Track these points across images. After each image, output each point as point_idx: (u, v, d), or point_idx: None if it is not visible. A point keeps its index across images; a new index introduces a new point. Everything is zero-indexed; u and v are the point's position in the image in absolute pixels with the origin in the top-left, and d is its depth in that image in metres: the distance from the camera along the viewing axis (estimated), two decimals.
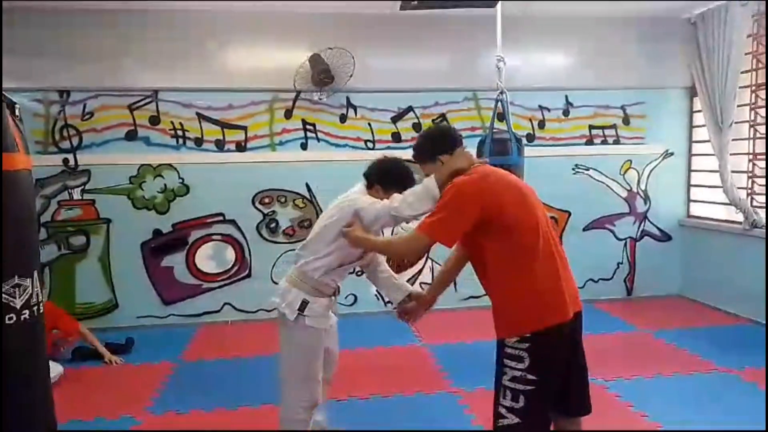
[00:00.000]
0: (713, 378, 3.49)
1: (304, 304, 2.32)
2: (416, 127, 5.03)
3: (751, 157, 4.70)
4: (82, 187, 4.68)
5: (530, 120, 5.21)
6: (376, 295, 5.10)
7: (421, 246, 2.10)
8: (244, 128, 4.84)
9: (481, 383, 3.27)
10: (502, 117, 3.68)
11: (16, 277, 1.27)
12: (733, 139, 4.68)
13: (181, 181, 4.80)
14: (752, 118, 4.69)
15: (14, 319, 1.25)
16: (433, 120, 5.06)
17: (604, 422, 2.75)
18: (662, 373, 3.52)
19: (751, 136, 4.70)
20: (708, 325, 4.56)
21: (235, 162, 4.83)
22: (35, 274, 1.34)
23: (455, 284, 5.02)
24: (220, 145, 4.83)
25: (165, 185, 4.78)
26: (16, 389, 1.26)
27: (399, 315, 2.58)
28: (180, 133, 4.78)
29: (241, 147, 4.85)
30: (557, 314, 1.97)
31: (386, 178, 2.44)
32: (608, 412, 2.96)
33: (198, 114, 4.79)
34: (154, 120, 4.74)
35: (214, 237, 4.88)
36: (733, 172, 4.68)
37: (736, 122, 4.66)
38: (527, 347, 1.94)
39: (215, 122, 4.82)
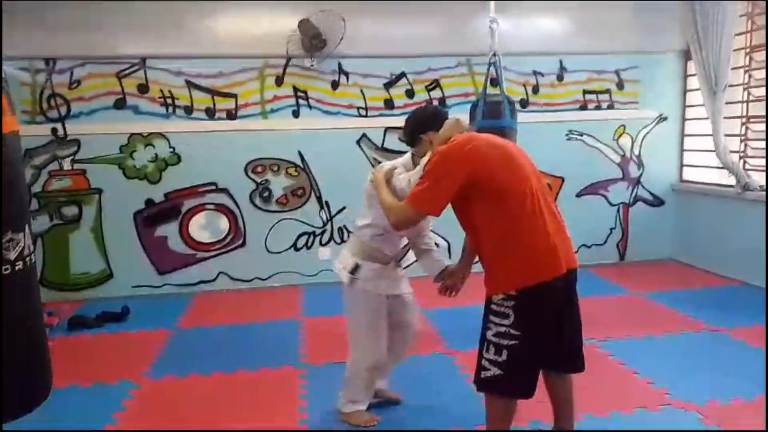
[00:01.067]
0: (703, 337, 3.56)
1: (356, 267, 2.42)
2: (409, 93, 4.99)
3: (744, 120, 4.71)
4: (72, 157, 4.63)
5: (524, 85, 5.17)
6: None
7: (409, 217, 2.09)
8: (235, 96, 4.78)
9: (475, 345, 3.29)
10: (495, 82, 3.66)
11: (10, 232, 1.34)
12: (726, 103, 4.68)
13: (171, 150, 4.76)
14: (746, 80, 4.68)
15: (9, 269, 1.34)
16: (426, 86, 5.01)
17: (596, 380, 2.81)
18: (653, 334, 3.58)
19: (745, 99, 4.70)
20: (699, 287, 4.63)
21: (226, 130, 4.79)
22: (26, 228, 1.41)
23: (450, 252, 5.08)
24: (210, 114, 4.78)
25: (156, 154, 4.74)
26: (14, 331, 1.32)
27: (439, 291, 2.61)
28: (169, 101, 4.72)
29: (231, 115, 4.80)
30: (547, 270, 1.98)
31: (420, 127, 2.32)
32: (600, 370, 3.01)
33: (187, 82, 4.73)
34: (143, 88, 4.68)
35: (207, 206, 4.87)
36: (726, 135, 4.69)
37: (730, 85, 4.65)
38: (513, 305, 1.96)
39: (205, 90, 4.75)
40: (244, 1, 4.66)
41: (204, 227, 4.88)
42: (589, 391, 2.63)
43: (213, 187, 4.85)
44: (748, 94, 4.67)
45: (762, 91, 4.57)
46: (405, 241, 2.57)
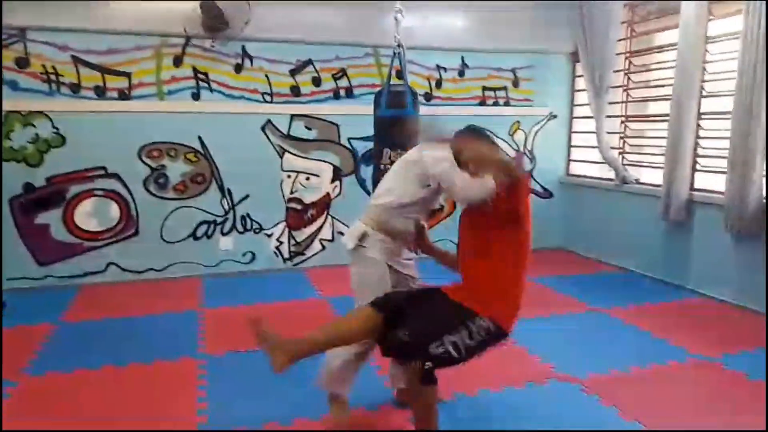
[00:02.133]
0: (586, 317, 3.87)
1: (364, 235, 2.38)
2: (315, 81, 4.94)
3: (623, 119, 5.14)
4: None
5: (428, 79, 5.30)
6: (274, 252, 5.04)
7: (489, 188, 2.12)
8: (128, 74, 4.48)
9: None
10: (400, 74, 3.71)
11: None
12: (609, 103, 5.08)
13: (55, 131, 4.38)
14: (625, 83, 5.11)
15: None
16: (333, 75, 4.99)
17: (491, 357, 2.93)
18: (543, 315, 3.81)
19: (624, 99, 5.13)
20: (583, 273, 5.01)
21: (117, 111, 4.48)
22: None
23: None
24: (100, 93, 4.45)
25: (37, 135, 4.34)
26: None
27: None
28: (53, 77, 4.34)
29: (124, 95, 4.50)
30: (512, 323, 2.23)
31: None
32: (495, 348, 3.16)
33: (74, 57, 4.36)
34: (23, 62, 4.25)
35: (95, 192, 4.53)
36: (607, 133, 5.10)
37: (611, 87, 5.06)
38: (485, 336, 2.12)
39: (94, 67, 4.42)
40: None
41: (92, 215, 4.54)
42: (484, 368, 2.75)
43: (102, 172, 4.52)
44: (627, 95, 5.11)
45: (641, 93, 5.04)
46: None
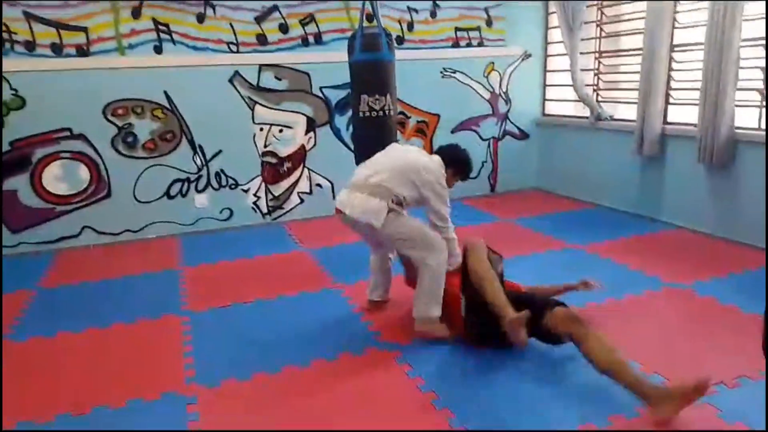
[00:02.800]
0: (564, 253, 3.93)
1: (381, 210, 2.66)
2: (282, 28, 4.77)
3: (597, 55, 5.10)
4: None
5: (399, 22, 5.16)
6: (252, 207, 4.99)
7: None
8: (85, 29, 4.27)
9: (359, 277, 3.40)
10: (371, 17, 3.60)
11: None
12: (582, 39, 5.02)
13: (14, 92, 4.19)
14: (599, 17, 5.03)
15: None
16: (300, 20, 4.82)
17: None
18: (522, 253, 3.87)
19: (598, 35, 5.07)
20: (560, 212, 5.07)
21: (77, 69, 4.29)
22: None
23: (333, 193, 5.10)
24: (57, 50, 4.25)
25: None
26: None
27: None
28: (6, 36, 4.12)
29: (83, 51, 4.30)
30: None
31: (456, 165, 2.91)
32: None
33: (25, 13, 4.14)
34: None
35: (62, 155, 4.39)
36: (582, 70, 5.06)
37: (585, 22, 4.98)
38: None
39: (48, 23, 4.20)
40: None
41: (60, 178, 4.42)
42: None
43: (67, 134, 4.37)
44: (601, 30, 5.04)
45: (613, 27, 4.98)
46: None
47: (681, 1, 4.18)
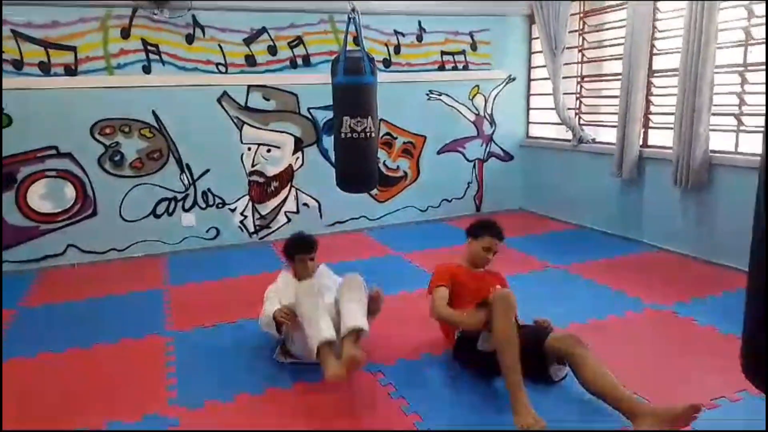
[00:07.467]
0: (547, 274, 3.99)
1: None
2: (271, 50, 4.84)
3: (579, 79, 5.22)
4: None
5: (386, 45, 5.25)
6: (239, 227, 5.00)
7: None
8: (74, 48, 4.30)
9: None
10: (357, 40, 3.66)
11: None
12: (564, 64, 5.14)
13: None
14: (580, 43, 5.16)
15: None
16: (289, 43, 4.89)
17: None
18: (507, 273, 3.90)
19: (580, 60, 5.19)
20: (543, 233, 5.14)
21: (65, 88, 4.31)
22: None
23: (320, 212, 5.13)
24: (45, 69, 4.26)
25: None
26: None
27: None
28: None
29: (71, 71, 4.32)
30: None
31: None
32: None
33: (14, 32, 4.16)
34: None
35: (48, 173, 4.38)
36: (564, 94, 5.17)
37: (567, 48, 5.11)
38: None
39: (37, 42, 4.22)
40: None
41: (45, 197, 4.40)
42: None
43: (54, 152, 4.37)
44: (582, 55, 5.17)
45: (595, 53, 5.10)
46: None
47: (658, 30, 4.32)
